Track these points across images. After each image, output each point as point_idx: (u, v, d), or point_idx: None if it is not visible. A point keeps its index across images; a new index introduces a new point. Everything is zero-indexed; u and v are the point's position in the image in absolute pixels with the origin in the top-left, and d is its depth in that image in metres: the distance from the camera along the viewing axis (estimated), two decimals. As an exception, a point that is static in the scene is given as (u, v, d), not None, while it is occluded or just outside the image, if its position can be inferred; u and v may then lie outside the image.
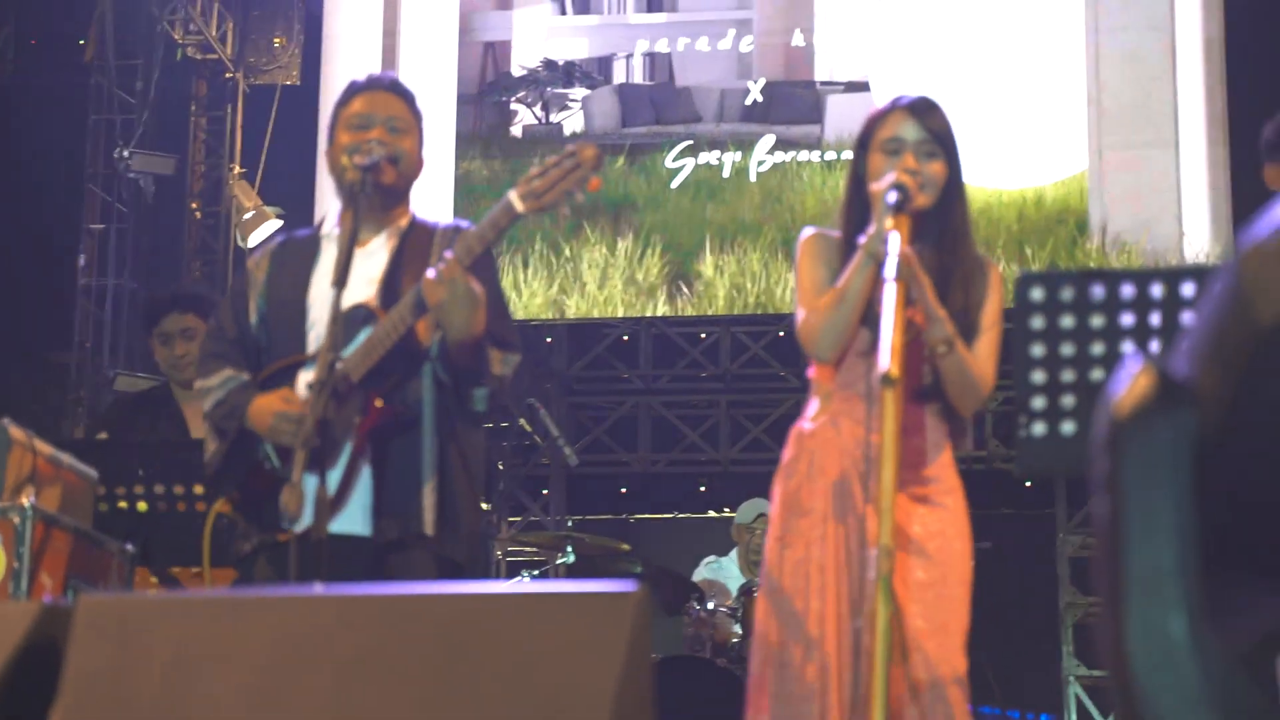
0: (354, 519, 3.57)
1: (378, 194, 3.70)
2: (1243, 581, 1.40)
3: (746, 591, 6.78)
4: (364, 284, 3.65)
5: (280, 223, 8.56)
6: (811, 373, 3.71)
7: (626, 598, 2.18)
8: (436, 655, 2.20)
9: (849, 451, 3.53)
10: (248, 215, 8.61)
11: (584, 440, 9.97)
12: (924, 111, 3.62)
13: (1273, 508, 1.37)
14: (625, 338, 9.59)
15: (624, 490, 10.30)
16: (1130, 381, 1.38)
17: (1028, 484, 8.93)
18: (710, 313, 8.57)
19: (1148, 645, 1.32)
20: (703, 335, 9.46)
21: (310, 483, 3.29)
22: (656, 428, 9.90)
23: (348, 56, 8.79)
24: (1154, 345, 3.09)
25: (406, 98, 3.87)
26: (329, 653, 2.21)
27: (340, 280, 3.41)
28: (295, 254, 3.84)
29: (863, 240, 3.49)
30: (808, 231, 3.79)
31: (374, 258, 3.72)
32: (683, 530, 9.87)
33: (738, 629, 6.77)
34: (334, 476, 3.47)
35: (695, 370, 9.64)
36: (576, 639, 2.18)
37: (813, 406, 3.66)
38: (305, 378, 3.57)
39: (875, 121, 3.66)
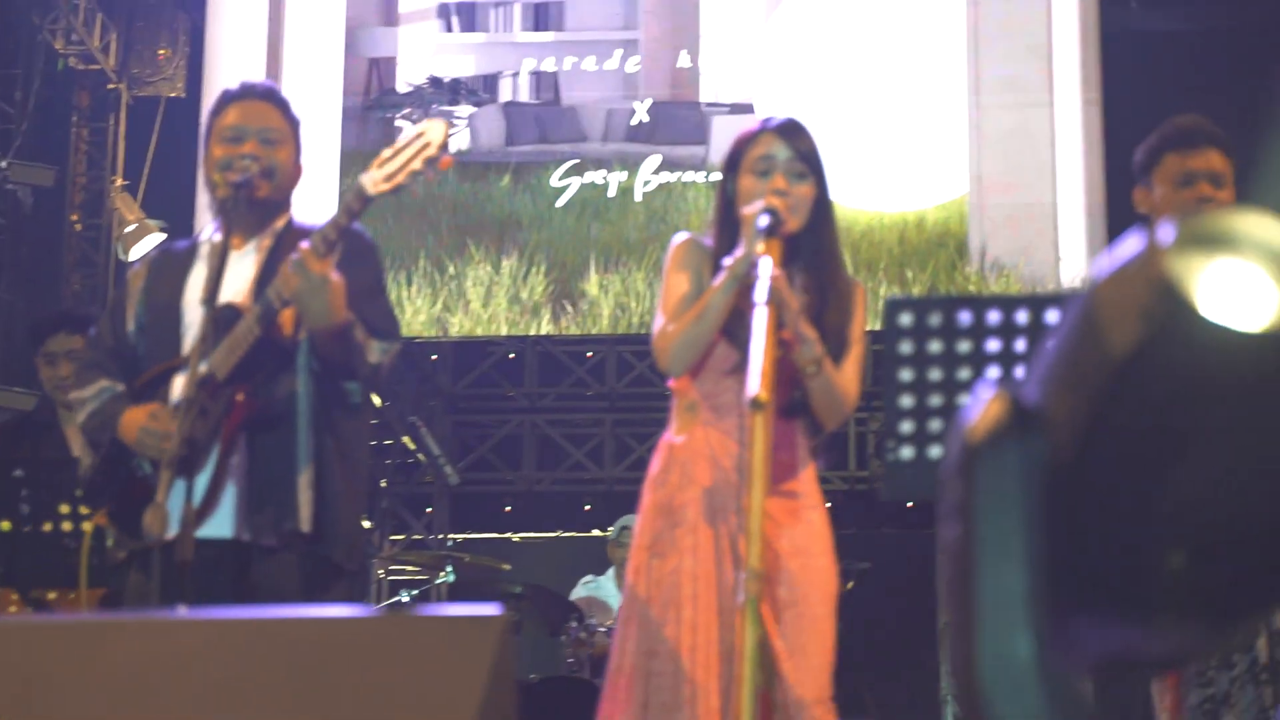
0: (224, 522, 3.53)
1: (252, 208, 3.68)
2: (1083, 608, 1.42)
3: (626, 611, 6.77)
4: (237, 285, 3.62)
5: (163, 236, 8.45)
6: (673, 384, 3.71)
7: (489, 622, 2.18)
8: (297, 680, 2.18)
9: (719, 464, 3.54)
10: (130, 228, 8.49)
11: (468, 458, 9.93)
12: (792, 133, 3.65)
13: (1112, 539, 1.39)
14: (511, 355, 9.58)
15: (508, 509, 10.26)
16: (982, 408, 1.39)
17: (909, 504, 9.02)
18: (594, 332, 8.57)
19: (996, 668, 1.33)
20: (589, 354, 9.46)
21: (177, 498, 3.26)
22: (541, 446, 9.88)
23: (231, 70, 8.69)
24: (1019, 371, 3.13)
25: (281, 106, 3.83)
26: (187, 677, 2.18)
27: (210, 298, 3.38)
28: (172, 263, 3.82)
29: (729, 261, 3.51)
30: (680, 237, 3.77)
31: (247, 259, 3.70)
32: (567, 549, 9.85)
33: (617, 649, 6.77)
34: (202, 480, 3.42)
35: (580, 389, 9.64)
36: (438, 663, 2.17)
37: (676, 421, 3.67)
38: (180, 382, 3.54)
39: (745, 143, 3.67)
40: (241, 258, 3.69)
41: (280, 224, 3.77)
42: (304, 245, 3.42)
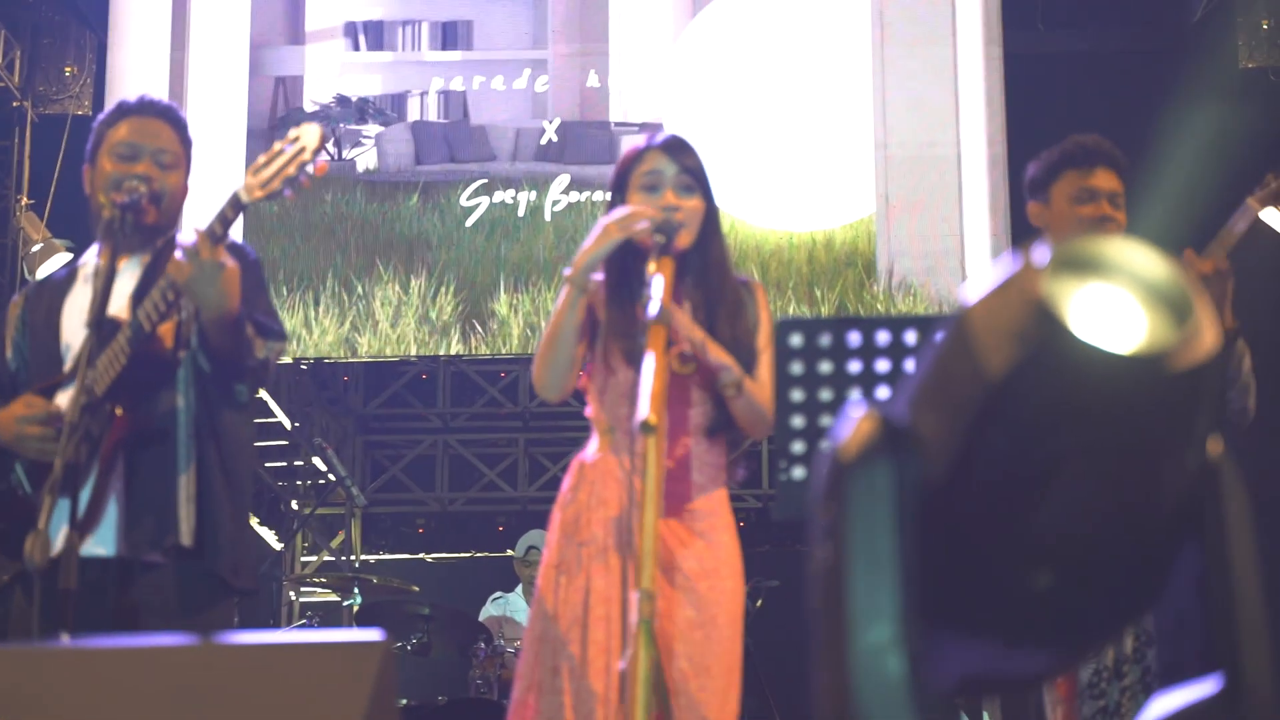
0: (105, 539, 3.48)
1: (138, 232, 3.62)
2: (948, 628, 1.43)
3: (535, 632, 6.75)
4: (116, 301, 3.56)
5: (70, 255, 8.35)
6: (589, 412, 3.72)
7: (370, 647, 2.16)
8: (177, 708, 2.16)
9: (628, 487, 3.54)
10: (36, 248, 8.38)
11: (380, 479, 9.87)
12: (678, 149, 3.67)
13: (981, 559, 1.39)
14: (424, 376, 9.53)
15: (421, 529, 10.21)
16: (854, 427, 1.39)
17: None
18: (505, 352, 8.55)
19: (868, 684, 1.33)
20: (502, 374, 9.44)
21: (59, 520, 3.22)
22: (454, 466, 9.84)
23: (135, 88, 8.59)
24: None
25: (179, 126, 3.77)
26: (67, 707, 2.16)
27: (96, 320, 3.34)
28: (49, 290, 3.77)
29: (568, 272, 3.52)
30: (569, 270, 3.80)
31: (126, 274, 3.64)
32: (480, 570, 9.81)
33: (526, 669, 6.74)
34: (83, 498, 3.35)
35: (493, 409, 9.61)
36: (318, 690, 2.15)
37: (593, 443, 3.68)
38: (62, 398, 3.51)
39: (631, 161, 3.70)
40: (120, 275, 3.61)
41: (160, 241, 3.71)
42: (197, 230, 3.36)
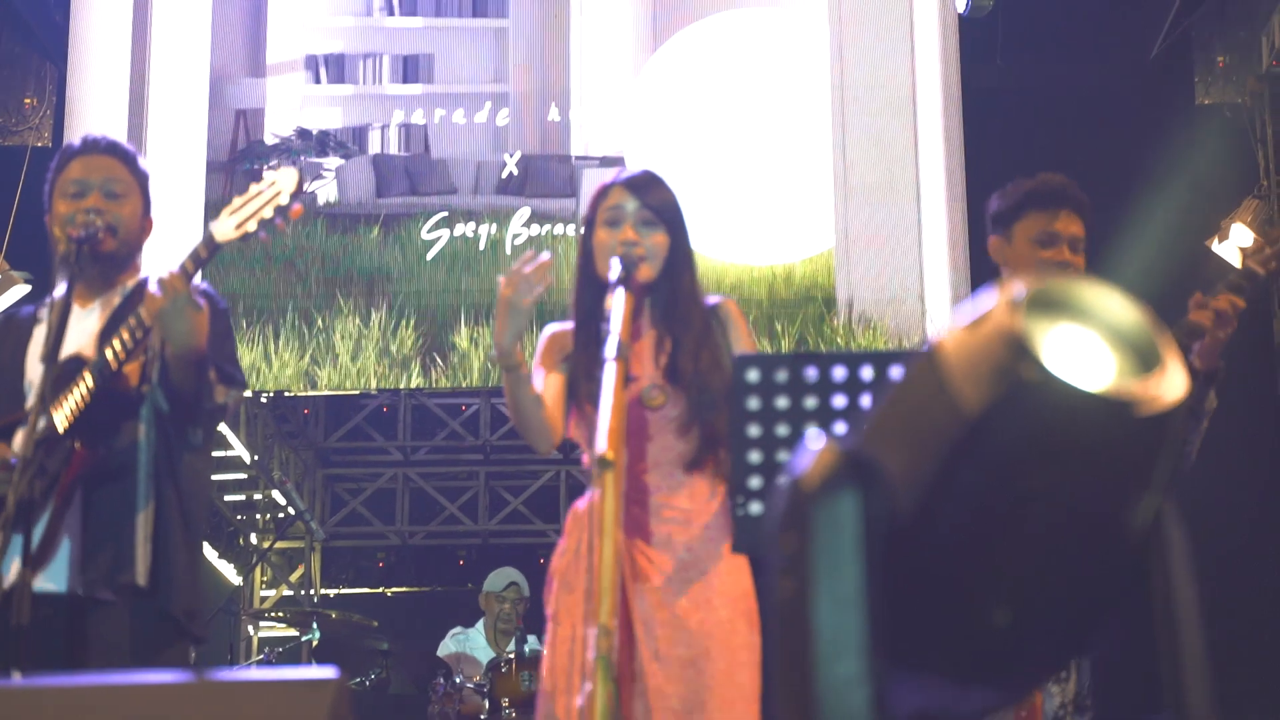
0: (58, 574, 3.47)
1: (98, 263, 3.65)
2: (905, 662, 1.43)
3: (495, 666, 6.74)
4: (81, 340, 3.60)
5: (29, 288, 8.29)
6: (585, 460, 3.73)
7: (323, 685, 2.15)
8: (128, 746, 2.14)
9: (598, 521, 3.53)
10: (-8, 279, 8.33)
11: (341, 513, 9.84)
12: (641, 185, 3.68)
13: (943, 594, 1.39)
14: (385, 409, 9.51)
15: (381, 563, 10.18)
16: (815, 459, 1.39)
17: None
18: (465, 385, 8.53)
19: (835, 717, 1.32)
20: (463, 407, 9.42)
21: (11, 556, 3.22)
22: (415, 500, 9.82)
23: (95, 121, 8.58)
24: (840, 428, 3.16)
25: (126, 159, 3.79)
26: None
27: (50, 355, 3.33)
28: (14, 326, 3.79)
29: (494, 355, 3.52)
30: (545, 331, 3.81)
31: (92, 316, 3.68)
32: (441, 603, 9.78)
33: (486, 705, 6.71)
34: (36, 533, 3.38)
35: (455, 442, 9.58)
36: (270, 728, 2.14)
37: (591, 489, 3.68)
38: (23, 432, 3.45)
39: (597, 198, 3.72)
40: (86, 315, 3.67)
41: (131, 281, 3.74)
42: (171, 270, 3.40)
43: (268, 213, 3.43)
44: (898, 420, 1.37)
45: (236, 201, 3.47)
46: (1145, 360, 1.28)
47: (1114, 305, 1.30)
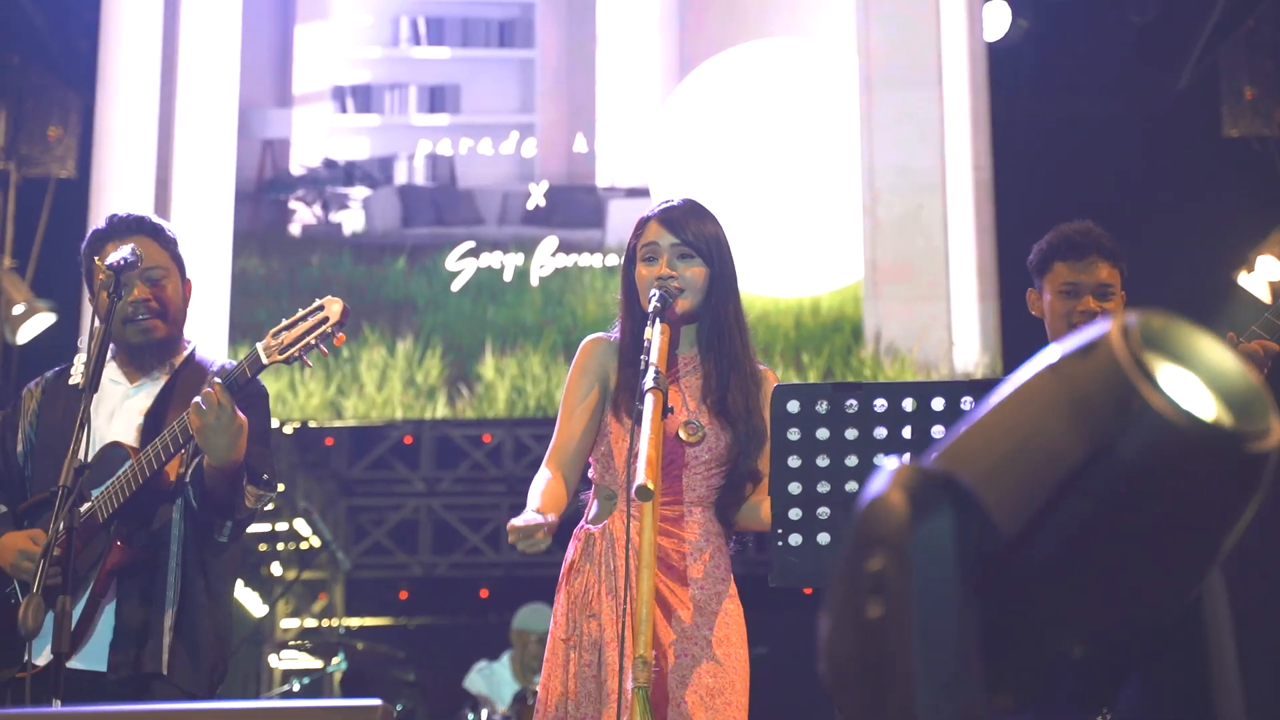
0: (94, 655, 3.63)
1: (154, 352, 3.84)
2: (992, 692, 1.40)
3: (520, 699, 6.71)
4: (129, 417, 3.78)
5: (53, 318, 8.31)
6: (592, 475, 3.71)
7: (369, 712, 2.15)
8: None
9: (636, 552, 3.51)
10: (18, 310, 8.34)
11: (364, 543, 9.82)
12: (675, 219, 3.66)
13: (1029, 627, 1.36)
14: (408, 439, 9.50)
15: (404, 594, 10.15)
16: (902, 478, 1.34)
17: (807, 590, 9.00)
18: (490, 415, 8.52)
19: None
20: (486, 438, 9.41)
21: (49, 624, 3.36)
22: (438, 530, 9.80)
23: (123, 151, 8.60)
24: (905, 457, 3.14)
25: (155, 234, 3.90)
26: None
27: (90, 385, 3.39)
28: (65, 388, 3.91)
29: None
30: (589, 339, 3.82)
31: (141, 393, 3.84)
32: (463, 635, 9.75)
33: (512, 737, 6.69)
34: (76, 613, 3.53)
35: (478, 473, 9.57)
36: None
37: (594, 508, 3.66)
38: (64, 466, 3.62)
39: (635, 233, 3.71)
40: (135, 392, 3.84)
41: (179, 360, 3.89)
42: (215, 382, 3.53)
43: (312, 340, 3.59)
44: (1002, 447, 1.32)
45: (284, 323, 3.63)
46: (1249, 407, 1.25)
47: (1218, 354, 1.28)
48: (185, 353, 3.91)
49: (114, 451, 3.68)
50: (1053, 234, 4.10)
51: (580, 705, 3.48)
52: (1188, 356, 1.28)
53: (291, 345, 3.58)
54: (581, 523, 3.68)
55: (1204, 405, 1.25)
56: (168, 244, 3.91)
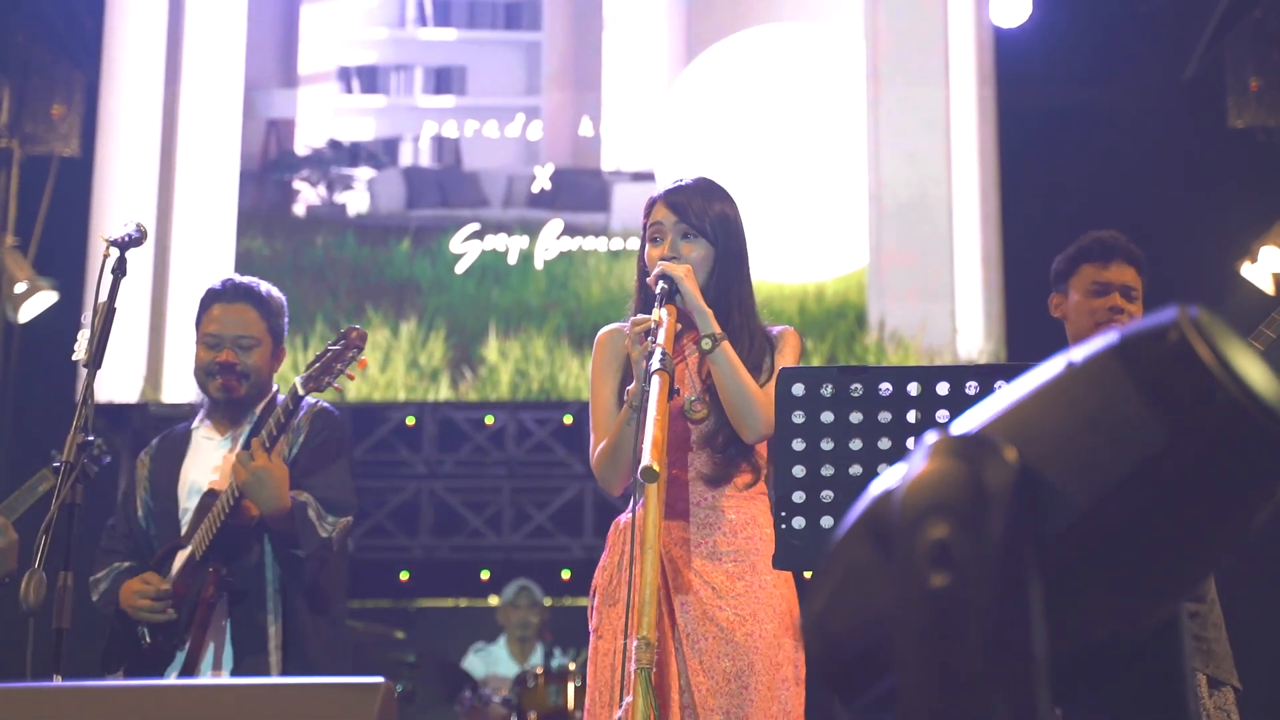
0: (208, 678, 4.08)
1: (233, 408, 4.31)
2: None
3: (522, 680, 6.72)
4: (222, 466, 4.23)
5: (55, 296, 8.30)
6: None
7: (372, 688, 2.16)
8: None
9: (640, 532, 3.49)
10: (20, 288, 8.32)
11: (365, 525, 9.82)
12: (683, 198, 3.66)
13: (1077, 611, 1.34)
14: (410, 421, 9.50)
15: (405, 576, 10.15)
16: (968, 450, 1.31)
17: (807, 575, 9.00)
18: (494, 398, 8.52)
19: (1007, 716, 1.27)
20: (488, 420, 9.41)
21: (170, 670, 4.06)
22: (439, 513, 9.79)
23: (127, 130, 8.60)
24: (909, 442, 3.14)
25: (259, 304, 4.34)
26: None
27: (93, 362, 3.45)
28: (170, 452, 4.41)
29: (629, 392, 3.50)
30: (601, 331, 3.80)
31: (225, 448, 4.29)
32: (464, 618, 9.75)
33: (512, 717, 6.69)
34: (183, 652, 4.09)
35: (480, 455, 9.57)
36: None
37: (635, 498, 3.65)
38: (181, 556, 4.18)
39: (645, 213, 3.72)
40: (221, 445, 4.32)
41: (260, 408, 4.32)
42: (253, 441, 4.02)
43: (341, 367, 4.02)
44: (1063, 426, 1.30)
45: (314, 358, 4.06)
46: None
47: (1249, 355, 1.27)
48: (268, 398, 4.33)
49: (209, 499, 4.16)
50: (1080, 240, 4.29)
51: (602, 693, 3.48)
52: (1233, 353, 1.27)
53: (323, 375, 4.02)
54: (618, 518, 3.69)
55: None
56: (268, 315, 4.35)
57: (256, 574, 4.15)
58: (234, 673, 4.07)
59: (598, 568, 3.65)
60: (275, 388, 4.41)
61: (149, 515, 4.36)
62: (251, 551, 4.16)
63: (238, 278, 4.44)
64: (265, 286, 4.42)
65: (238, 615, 4.14)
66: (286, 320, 4.46)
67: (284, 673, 4.05)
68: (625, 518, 3.62)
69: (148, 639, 4.16)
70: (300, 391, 4.04)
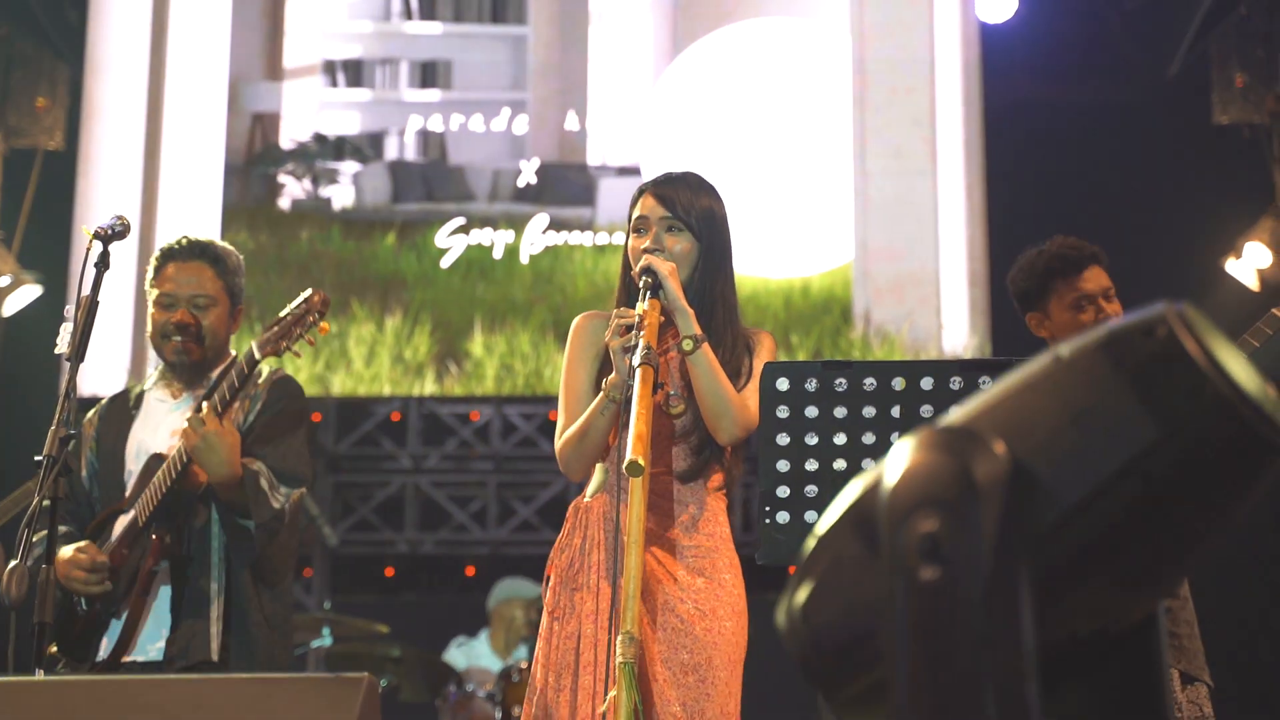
0: (150, 646, 3.89)
1: (189, 371, 4.11)
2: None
3: (506, 675, 6.72)
4: (169, 434, 4.02)
5: (39, 289, 8.27)
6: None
7: (354, 681, 2.16)
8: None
9: (625, 527, 3.49)
10: (4, 282, 8.30)
11: (350, 520, 9.81)
12: (669, 191, 3.65)
13: (1060, 606, 1.34)
14: (395, 415, 9.49)
15: (390, 571, 10.14)
16: (955, 444, 1.31)
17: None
18: (479, 392, 8.51)
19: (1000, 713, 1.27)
20: (474, 415, 9.41)
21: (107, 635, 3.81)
22: (424, 508, 9.78)
23: (111, 123, 8.58)
24: (894, 436, 3.14)
25: (215, 262, 4.14)
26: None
27: (76, 355, 3.43)
28: (118, 412, 4.21)
29: (606, 382, 3.49)
30: (578, 318, 3.78)
31: (185, 406, 4.09)
32: (449, 613, 9.74)
33: (497, 714, 6.69)
34: (122, 618, 3.89)
35: (465, 450, 9.57)
36: (302, 726, 2.14)
37: (592, 483, 3.64)
38: (122, 522, 3.97)
39: (631, 204, 3.70)
40: (175, 409, 4.11)
41: (216, 372, 4.12)
42: (204, 404, 3.84)
43: (298, 331, 3.83)
44: (1051, 420, 1.30)
45: (272, 321, 3.86)
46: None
47: (1234, 354, 1.27)
48: (225, 364, 4.14)
49: (155, 463, 3.96)
50: (1036, 259, 4.18)
51: (560, 676, 3.46)
52: (1219, 351, 1.27)
53: (281, 339, 3.82)
54: (576, 499, 3.67)
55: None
56: (225, 274, 4.15)
57: (201, 540, 3.96)
58: (170, 639, 3.89)
59: (554, 548, 3.62)
60: (234, 354, 4.20)
61: (93, 476, 4.16)
62: (197, 517, 3.97)
63: (193, 235, 4.23)
64: (222, 245, 4.23)
65: (178, 580, 3.94)
66: (244, 280, 4.26)
67: (222, 645, 3.88)
68: (586, 500, 3.61)
69: (84, 606, 3.96)
70: (256, 355, 3.85)
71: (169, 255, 4.13)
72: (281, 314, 3.85)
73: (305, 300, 3.85)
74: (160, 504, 3.90)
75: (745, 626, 3.54)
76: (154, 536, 3.90)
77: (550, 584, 3.57)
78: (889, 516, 1.28)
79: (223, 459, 3.80)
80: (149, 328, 4.15)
